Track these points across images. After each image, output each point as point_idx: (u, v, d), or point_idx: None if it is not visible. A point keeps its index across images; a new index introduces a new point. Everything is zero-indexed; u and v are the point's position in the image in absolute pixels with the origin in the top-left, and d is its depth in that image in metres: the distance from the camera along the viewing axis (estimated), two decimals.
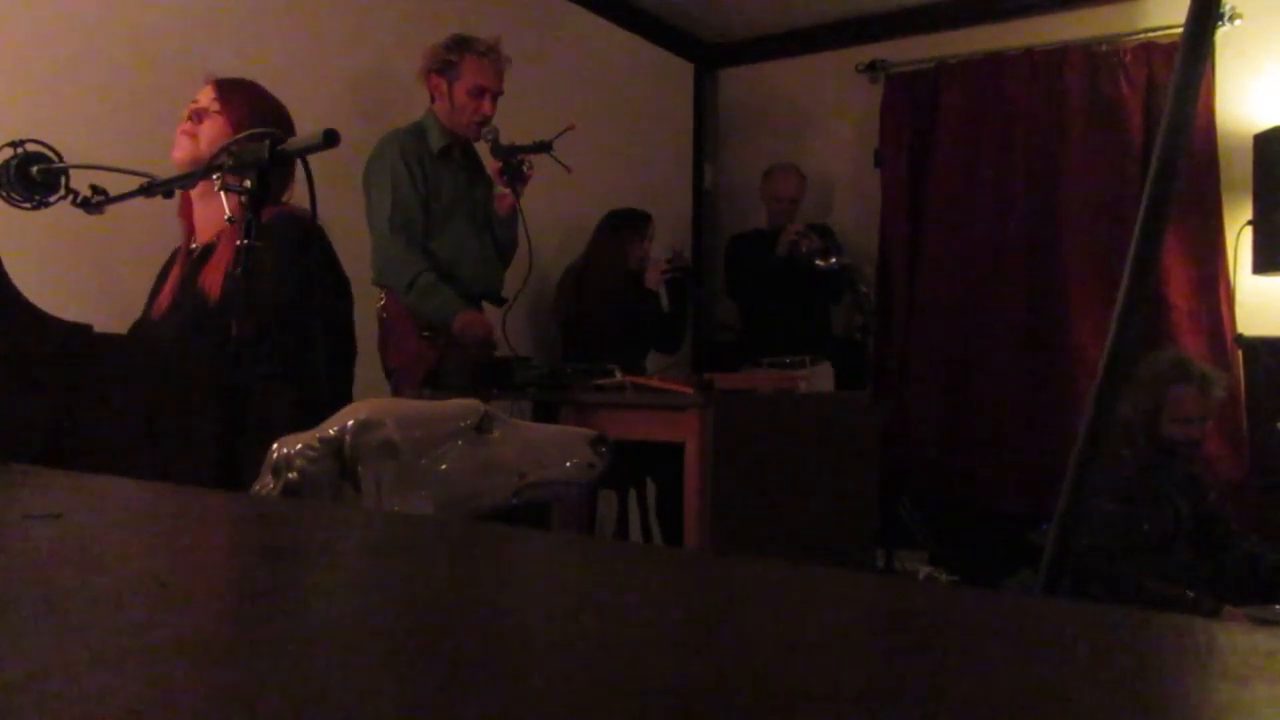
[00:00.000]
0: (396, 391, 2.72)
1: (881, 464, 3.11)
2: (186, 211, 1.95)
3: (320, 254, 1.78)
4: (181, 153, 1.89)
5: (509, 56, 2.90)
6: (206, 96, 1.91)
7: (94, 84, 2.47)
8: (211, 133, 1.86)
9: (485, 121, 2.86)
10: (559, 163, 2.95)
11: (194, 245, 1.91)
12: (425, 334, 2.75)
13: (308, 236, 1.70)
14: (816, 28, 4.62)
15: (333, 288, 1.82)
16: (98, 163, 1.68)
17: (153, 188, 1.60)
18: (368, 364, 2.82)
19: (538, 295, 3.75)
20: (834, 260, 3.77)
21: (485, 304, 3.02)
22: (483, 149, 2.98)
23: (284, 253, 1.67)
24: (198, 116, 1.89)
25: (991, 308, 4.11)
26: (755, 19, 4.65)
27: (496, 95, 2.86)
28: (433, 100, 2.90)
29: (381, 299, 2.82)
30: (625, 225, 3.62)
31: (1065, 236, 3.99)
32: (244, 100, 1.90)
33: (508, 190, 2.93)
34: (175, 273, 1.92)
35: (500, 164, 2.91)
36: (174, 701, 0.28)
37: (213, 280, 1.79)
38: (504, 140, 2.91)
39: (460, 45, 2.83)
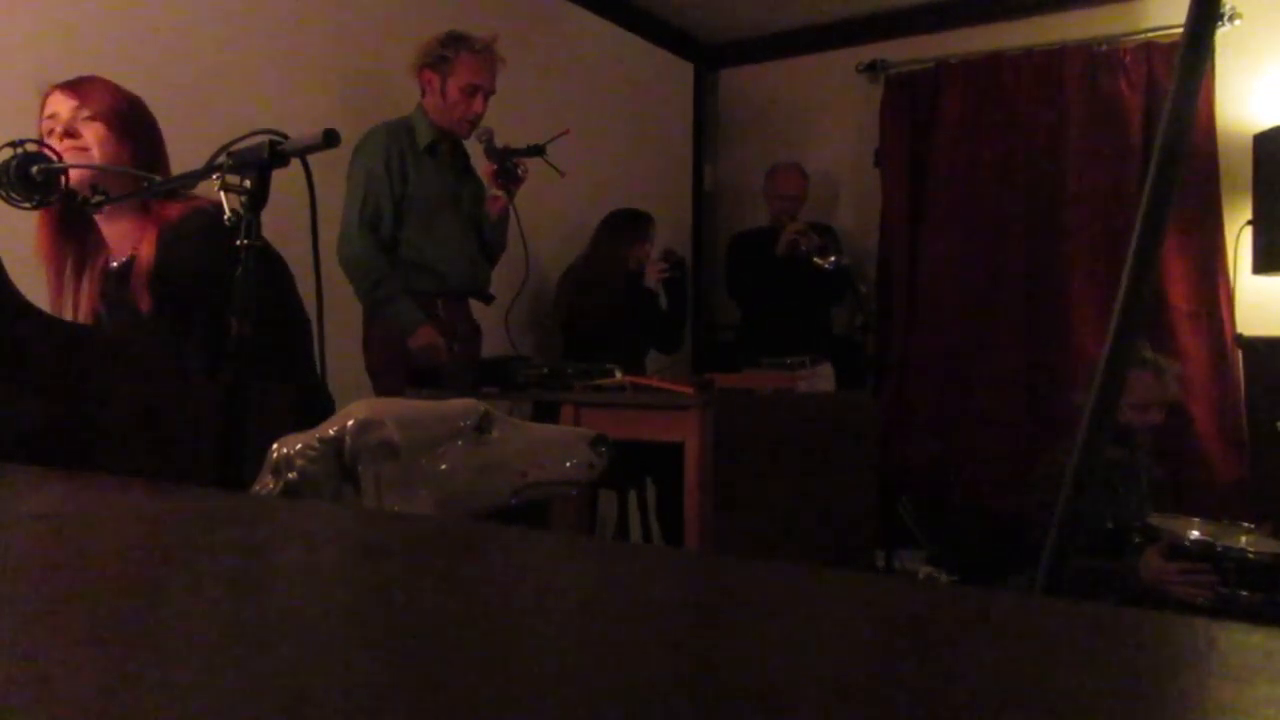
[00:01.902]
0: (378, 392, 2.68)
1: (881, 464, 3.11)
2: (54, 245, 1.82)
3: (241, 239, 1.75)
4: (82, 171, 1.73)
5: (503, 56, 2.87)
6: (64, 106, 1.75)
7: None
8: (99, 139, 1.74)
9: (476, 120, 2.84)
10: (552, 166, 2.94)
11: (112, 262, 1.82)
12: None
13: (218, 225, 1.69)
14: (816, 28, 4.63)
15: (262, 270, 1.77)
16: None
17: (153, 188, 1.60)
18: (353, 362, 2.74)
19: (538, 295, 3.75)
20: (832, 260, 3.78)
21: (472, 301, 2.98)
22: (473, 148, 2.95)
23: (202, 245, 1.65)
24: (73, 132, 1.74)
25: (991, 307, 4.11)
26: (755, 19, 4.65)
27: (489, 94, 2.84)
28: (423, 95, 2.86)
29: None
30: (626, 226, 3.62)
31: (1065, 236, 3.99)
32: (106, 98, 1.77)
33: (501, 193, 2.91)
34: (89, 290, 1.83)
35: (495, 167, 2.89)
36: (173, 701, 0.28)
37: (139, 292, 1.72)
38: (498, 142, 2.89)
39: (456, 42, 2.80)
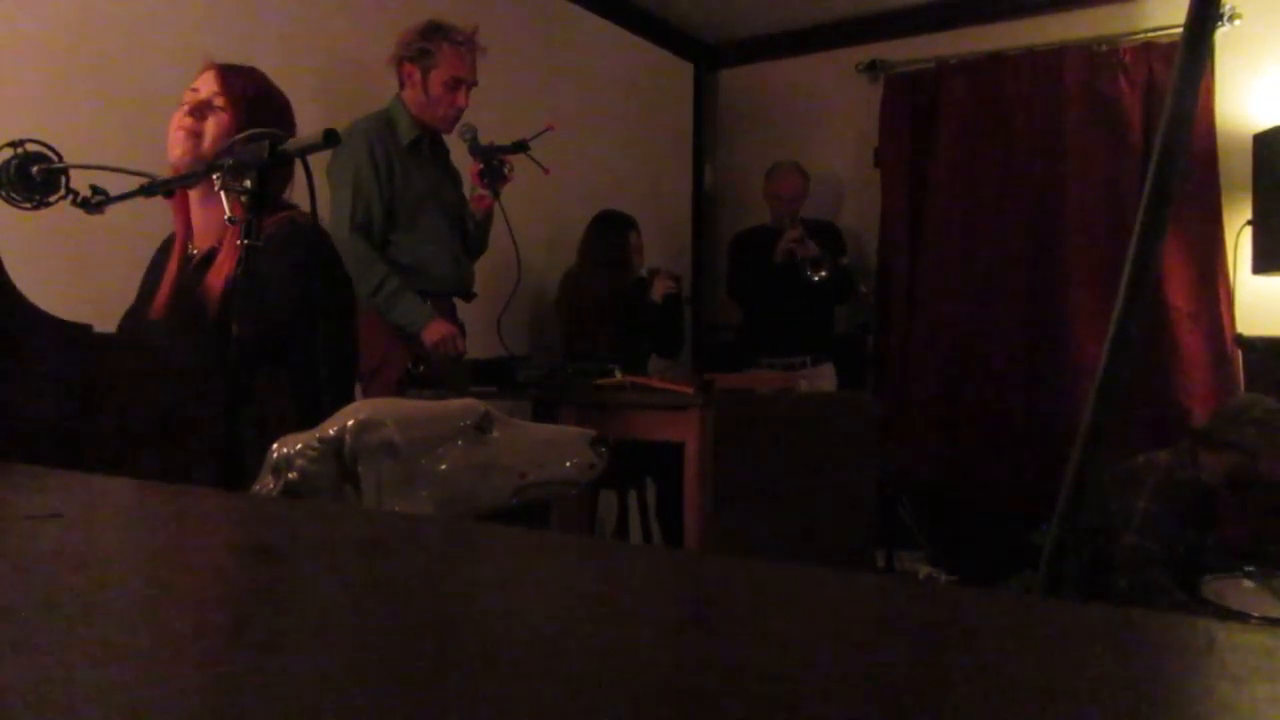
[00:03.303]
0: (366, 397, 2.65)
1: (881, 464, 3.11)
2: (183, 210, 1.82)
3: (325, 260, 1.72)
4: (183, 151, 1.73)
5: (484, 46, 2.78)
6: (208, 87, 1.74)
7: (94, 84, 2.47)
8: (216, 131, 1.72)
9: (459, 114, 2.76)
10: (536, 163, 2.88)
11: (194, 249, 1.80)
12: (399, 335, 2.66)
13: (314, 246, 1.67)
14: (816, 28, 4.63)
15: (336, 294, 1.76)
16: (98, 163, 1.68)
17: (153, 188, 1.59)
18: None
19: (537, 295, 3.75)
20: (824, 274, 3.79)
21: (456, 301, 2.93)
22: (453, 143, 2.89)
23: (291, 266, 1.60)
24: (200, 112, 1.72)
25: (991, 307, 4.11)
26: (755, 19, 4.65)
27: (471, 87, 2.75)
28: (401, 87, 2.76)
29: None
30: (615, 227, 3.60)
31: (1065, 236, 3.99)
32: (251, 97, 1.75)
33: (486, 192, 2.85)
34: (172, 273, 1.80)
35: (481, 165, 2.83)
36: (173, 701, 0.28)
37: (214, 287, 1.68)
38: (481, 138, 2.82)
39: (437, 33, 2.71)
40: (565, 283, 3.66)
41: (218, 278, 1.70)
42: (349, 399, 1.84)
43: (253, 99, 1.75)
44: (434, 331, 2.64)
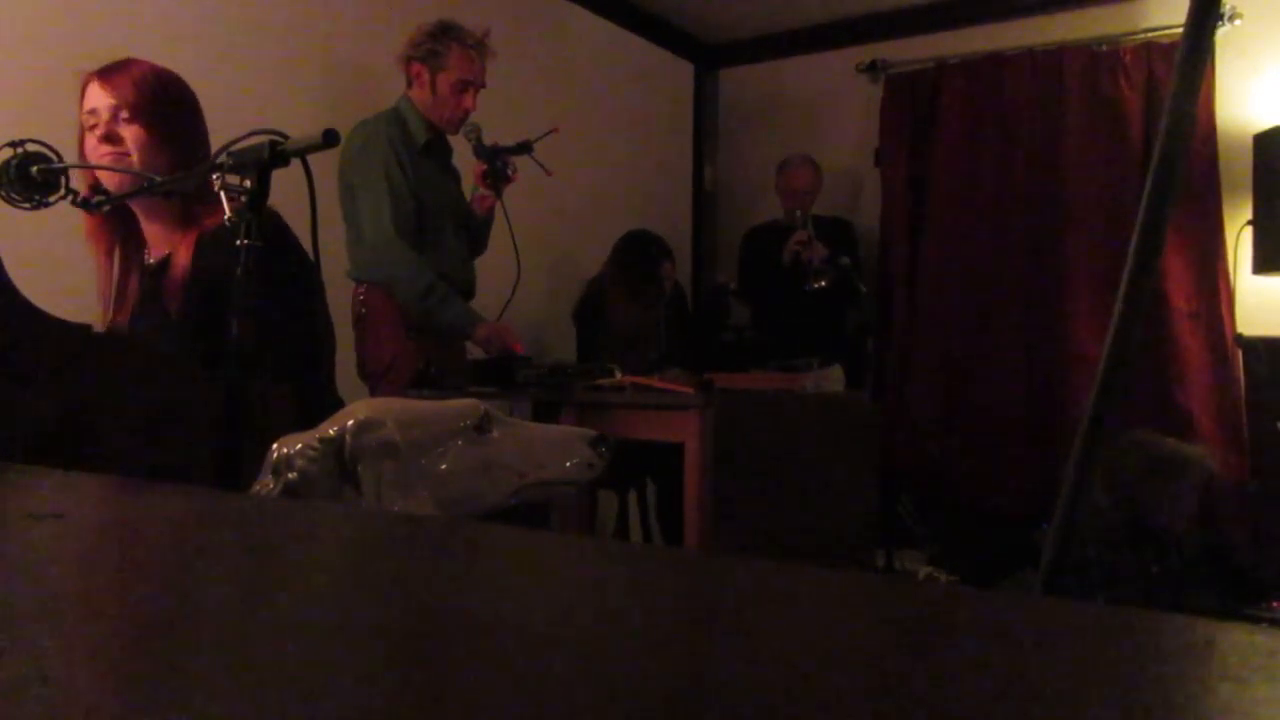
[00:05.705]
0: (376, 395, 2.62)
1: (881, 464, 3.11)
2: (101, 233, 1.79)
3: (289, 247, 1.72)
4: (121, 177, 1.67)
5: (494, 49, 2.79)
6: (104, 104, 1.69)
7: None
8: (138, 144, 1.69)
9: (466, 116, 2.76)
10: (540, 165, 2.89)
11: (150, 259, 1.80)
12: (411, 333, 2.66)
13: (274, 234, 1.67)
14: (816, 28, 4.63)
15: (304, 279, 1.75)
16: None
17: (153, 188, 1.59)
18: (345, 364, 2.61)
19: (534, 296, 3.74)
20: (823, 284, 3.79)
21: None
22: (457, 144, 2.89)
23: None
24: (113, 136, 1.68)
25: (992, 307, 4.11)
26: (755, 19, 4.65)
27: (479, 89, 2.76)
28: (409, 86, 2.75)
29: (361, 294, 2.69)
30: (649, 258, 3.58)
31: (1065, 237, 3.99)
32: (140, 91, 1.69)
33: (489, 193, 2.86)
34: (133, 285, 1.81)
35: (485, 166, 2.83)
36: (175, 701, 0.28)
37: (172, 294, 1.69)
38: (485, 139, 2.83)
39: (448, 34, 2.70)
40: (589, 295, 3.63)
41: (174, 285, 1.70)
42: (329, 381, 1.84)
43: (143, 91, 1.70)
44: (483, 329, 2.70)
